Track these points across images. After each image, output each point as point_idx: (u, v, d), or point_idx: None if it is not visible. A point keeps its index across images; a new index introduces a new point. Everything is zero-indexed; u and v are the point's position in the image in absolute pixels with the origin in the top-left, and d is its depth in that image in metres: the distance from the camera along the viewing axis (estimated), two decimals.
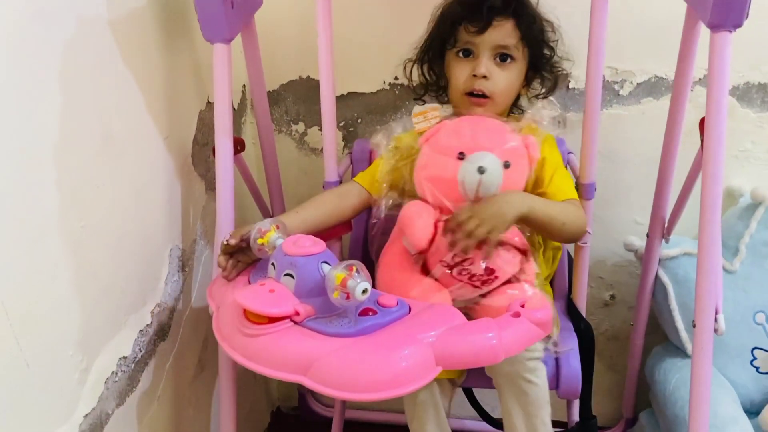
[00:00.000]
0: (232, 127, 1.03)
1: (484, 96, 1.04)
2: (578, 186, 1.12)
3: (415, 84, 1.17)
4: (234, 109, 1.35)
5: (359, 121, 1.40)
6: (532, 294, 0.94)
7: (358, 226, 1.19)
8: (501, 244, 0.94)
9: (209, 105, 1.19)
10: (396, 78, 1.35)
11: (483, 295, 0.96)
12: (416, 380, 0.76)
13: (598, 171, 1.29)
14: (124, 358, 0.94)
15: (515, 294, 0.94)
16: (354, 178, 1.12)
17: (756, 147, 1.31)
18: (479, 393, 1.23)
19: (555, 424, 1.47)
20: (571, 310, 1.19)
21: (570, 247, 1.23)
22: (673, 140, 1.14)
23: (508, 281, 0.96)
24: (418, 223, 0.96)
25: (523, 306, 0.84)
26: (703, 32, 0.93)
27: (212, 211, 1.16)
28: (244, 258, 0.94)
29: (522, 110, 1.12)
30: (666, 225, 1.22)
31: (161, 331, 1.05)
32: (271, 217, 1.32)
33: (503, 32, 1.04)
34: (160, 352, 1.05)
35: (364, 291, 0.77)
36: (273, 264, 0.85)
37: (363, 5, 1.31)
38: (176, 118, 1.09)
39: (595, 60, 1.04)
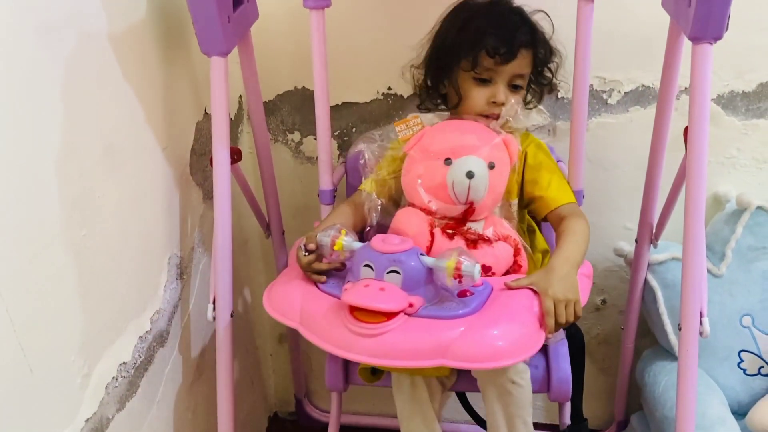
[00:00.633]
0: (229, 137, 1.05)
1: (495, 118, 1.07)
2: None
3: (418, 88, 1.18)
4: (231, 119, 1.37)
5: (354, 130, 1.42)
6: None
7: None
8: (497, 240, 0.98)
9: (206, 116, 1.22)
10: (389, 88, 1.38)
11: None
12: (538, 341, 0.87)
13: (588, 178, 1.32)
14: (125, 363, 0.96)
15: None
16: (360, 187, 1.14)
17: (741, 154, 1.34)
18: (474, 398, 1.25)
19: (546, 427, 1.50)
20: None
21: None
22: (660, 148, 1.16)
23: (506, 272, 1.01)
24: (412, 230, 0.99)
25: None
26: (687, 43, 0.96)
27: (210, 219, 1.19)
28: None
29: None
30: (654, 230, 1.24)
31: (160, 338, 1.08)
32: (268, 224, 1.35)
33: (523, 63, 1.07)
34: (159, 357, 1.07)
35: (479, 271, 0.86)
36: (368, 265, 0.88)
37: (357, 17, 1.33)
38: (174, 129, 1.12)
39: (582, 70, 1.07)
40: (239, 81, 1.22)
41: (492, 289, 0.92)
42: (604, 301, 1.50)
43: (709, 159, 1.32)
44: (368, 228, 1.06)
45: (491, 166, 0.99)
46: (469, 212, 1.01)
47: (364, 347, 0.84)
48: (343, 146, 1.44)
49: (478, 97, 1.06)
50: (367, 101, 1.39)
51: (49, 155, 0.80)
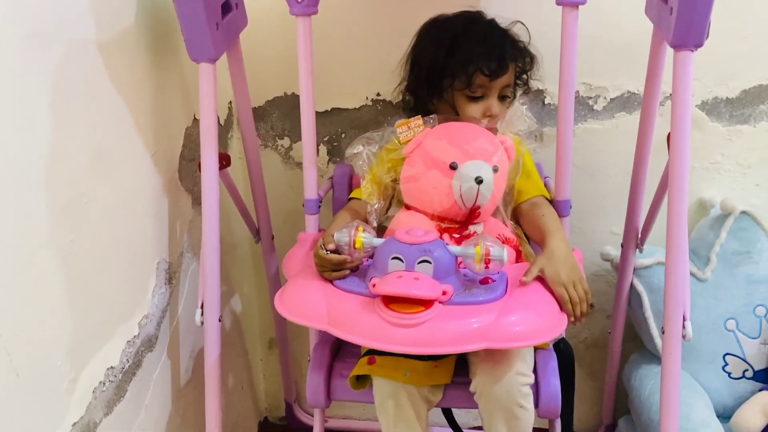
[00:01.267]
0: (217, 143, 1.06)
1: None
2: (554, 203, 1.15)
3: (402, 105, 1.21)
4: (221, 125, 1.38)
5: (343, 136, 1.43)
6: None
7: None
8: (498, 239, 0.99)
9: (196, 121, 1.23)
10: (378, 94, 1.39)
11: None
12: (564, 321, 0.94)
13: (575, 183, 1.33)
14: (112, 368, 0.97)
15: None
16: (351, 195, 1.15)
17: (725, 159, 1.35)
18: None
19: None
20: None
21: None
22: (644, 153, 1.18)
23: None
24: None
25: None
26: (670, 50, 0.97)
27: (199, 224, 1.19)
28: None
29: None
30: (639, 235, 1.25)
31: (148, 342, 1.08)
32: (257, 230, 1.35)
33: (510, 75, 1.11)
34: (148, 362, 1.08)
35: (507, 255, 0.90)
36: (397, 257, 0.90)
37: (346, 24, 1.35)
38: (164, 135, 1.13)
39: (567, 77, 1.08)
40: (229, 87, 1.23)
41: (507, 276, 0.96)
42: (591, 306, 1.49)
43: (694, 164, 1.36)
44: None
45: (495, 170, 1.01)
46: (474, 216, 1.02)
47: (406, 337, 0.86)
48: (333, 152, 1.45)
49: (473, 111, 1.10)
50: (357, 107, 1.41)
51: (37, 160, 0.81)
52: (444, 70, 1.09)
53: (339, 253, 0.95)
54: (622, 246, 1.29)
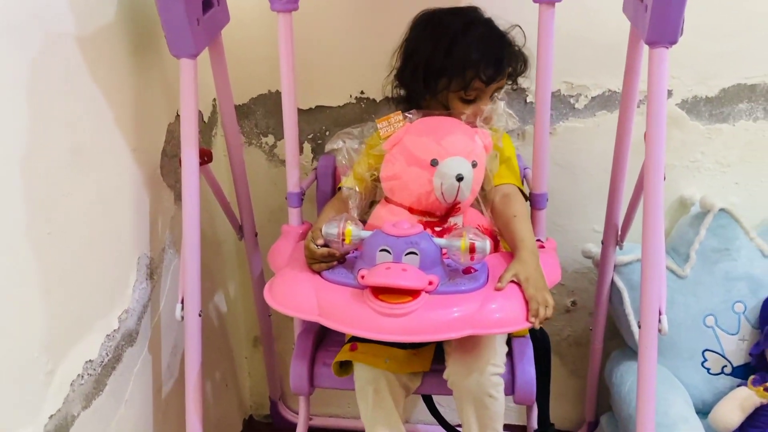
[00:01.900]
0: (197, 139, 1.06)
1: None
2: (531, 196, 1.16)
3: (393, 99, 1.20)
4: (204, 121, 1.39)
5: (327, 133, 1.44)
6: None
7: None
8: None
9: (178, 118, 1.22)
10: (362, 92, 1.40)
11: None
12: None
13: (557, 181, 1.35)
14: (91, 361, 0.97)
15: None
16: (340, 184, 1.16)
17: (705, 158, 1.37)
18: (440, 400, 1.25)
19: (516, 428, 1.51)
20: None
21: None
22: (623, 151, 1.19)
23: None
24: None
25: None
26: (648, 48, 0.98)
27: (181, 220, 1.19)
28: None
29: None
30: (619, 232, 1.26)
31: (129, 337, 1.08)
32: (240, 226, 1.36)
33: (504, 78, 1.12)
34: (128, 356, 1.08)
35: (490, 245, 0.93)
36: (385, 250, 0.92)
37: (331, 22, 1.36)
38: (145, 131, 1.13)
39: (544, 74, 1.09)
40: (213, 84, 1.23)
41: (488, 266, 0.99)
42: (574, 303, 1.52)
43: (674, 163, 1.38)
44: None
45: (474, 165, 1.02)
46: (453, 210, 1.04)
47: (395, 326, 0.89)
48: (317, 149, 1.46)
49: (465, 110, 1.10)
50: (341, 105, 1.41)
51: (13, 154, 0.81)
52: (441, 71, 1.09)
53: (328, 246, 0.97)
54: (602, 243, 1.30)
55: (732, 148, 1.36)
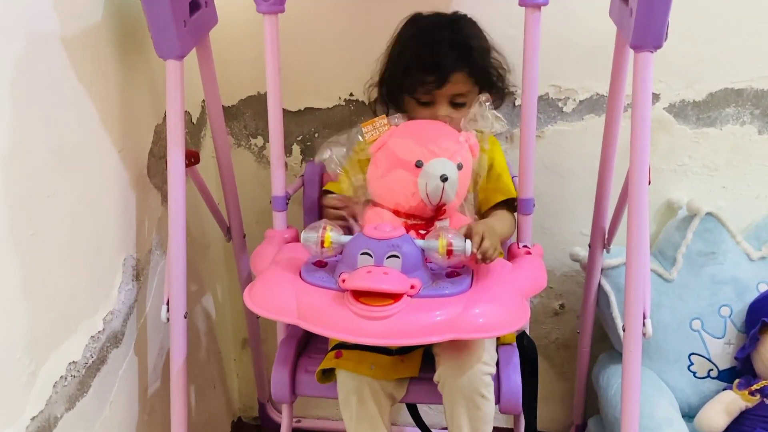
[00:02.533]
0: (183, 140, 1.06)
1: None
2: (518, 202, 1.16)
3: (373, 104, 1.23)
4: (193, 123, 1.38)
5: (316, 135, 1.44)
6: None
7: None
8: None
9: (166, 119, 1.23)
10: (351, 94, 1.40)
11: None
12: (527, 311, 0.96)
13: (545, 185, 1.35)
14: (74, 363, 0.97)
15: None
16: (326, 187, 1.16)
17: (692, 161, 1.37)
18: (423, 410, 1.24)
19: (502, 431, 1.50)
20: None
21: None
22: (610, 154, 1.19)
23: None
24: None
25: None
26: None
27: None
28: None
29: None
30: (606, 235, 1.27)
31: (114, 338, 1.08)
32: (228, 228, 1.36)
33: (459, 84, 1.12)
34: (113, 358, 1.07)
35: (470, 245, 0.93)
36: (366, 253, 0.91)
37: (320, 24, 1.36)
38: (132, 132, 1.13)
39: (530, 78, 1.09)
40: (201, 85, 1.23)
41: (472, 270, 0.98)
42: (562, 306, 1.52)
43: (662, 166, 1.38)
44: None
45: (459, 167, 1.02)
46: (440, 213, 1.03)
47: (375, 330, 0.87)
48: (307, 151, 1.46)
49: (423, 116, 1.11)
50: (330, 107, 1.41)
51: None
52: (395, 75, 1.12)
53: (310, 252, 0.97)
54: (589, 246, 1.31)
55: (719, 152, 1.37)
